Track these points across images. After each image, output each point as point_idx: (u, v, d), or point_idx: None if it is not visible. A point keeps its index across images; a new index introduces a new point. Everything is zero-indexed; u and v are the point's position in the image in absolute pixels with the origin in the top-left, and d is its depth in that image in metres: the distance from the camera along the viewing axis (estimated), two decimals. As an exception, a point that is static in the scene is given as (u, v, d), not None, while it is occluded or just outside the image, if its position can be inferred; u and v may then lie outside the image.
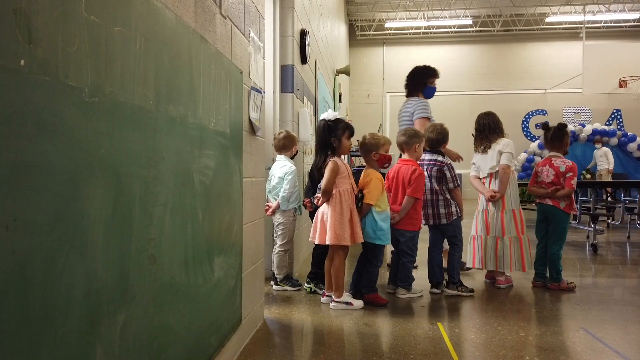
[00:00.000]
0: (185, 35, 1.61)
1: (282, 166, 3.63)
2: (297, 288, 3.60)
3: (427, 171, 3.55)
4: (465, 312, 3.15)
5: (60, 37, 0.97)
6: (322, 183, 3.10)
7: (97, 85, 1.10)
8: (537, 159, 12.35)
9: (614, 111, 13.51)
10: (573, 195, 3.70)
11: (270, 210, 3.59)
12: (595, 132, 12.00)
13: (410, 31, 14.34)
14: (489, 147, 3.70)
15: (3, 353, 0.83)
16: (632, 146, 12.10)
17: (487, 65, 14.17)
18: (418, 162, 3.62)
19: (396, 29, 14.31)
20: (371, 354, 2.37)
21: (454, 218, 3.53)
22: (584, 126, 12.12)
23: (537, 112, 13.80)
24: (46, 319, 0.94)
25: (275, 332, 2.75)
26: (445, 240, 3.69)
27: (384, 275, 3.78)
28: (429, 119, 4.19)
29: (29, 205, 0.89)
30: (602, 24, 13.71)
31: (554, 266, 3.64)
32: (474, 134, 3.90)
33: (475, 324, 2.85)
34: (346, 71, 9.00)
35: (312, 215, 3.40)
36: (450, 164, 3.59)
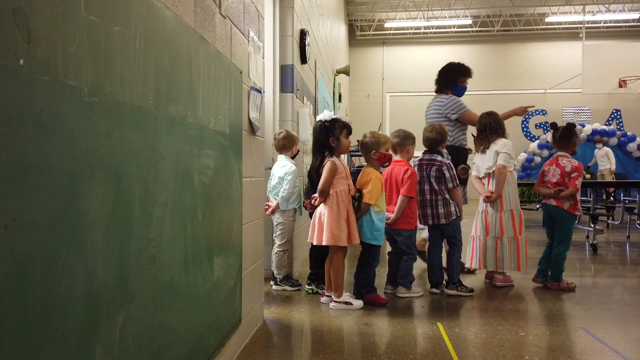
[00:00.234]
0: (184, 35, 1.61)
1: (282, 166, 3.63)
2: (296, 288, 3.60)
3: (426, 171, 3.55)
4: (465, 312, 3.15)
5: (59, 37, 0.96)
6: (320, 183, 3.10)
7: (96, 85, 1.10)
8: (537, 159, 12.37)
9: (614, 111, 13.50)
10: (578, 196, 3.68)
11: (270, 209, 3.59)
12: (595, 132, 12.01)
13: (410, 31, 14.35)
14: (488, 148, 3.71)
15: (3, 353, 0.83)
16: (631, 146, 12.10)
17: (487, 65, 14.16)
18: (418, 162, 3.63)
19: (396, 29, 14.32)
20: (371, 354, 2.37)
21: (453, 218, 3.53)
22: (583, 126, 12.12)
23: (537, 112, 13.79)
24: (46, 319, 0.94)
25: (275, 332, 2.75)
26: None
27: (383, 275, 3.78)
28: (470, 110, 4.14)
29: (28, 205, 0.89)
30: (601, 24, 13.72)
31: (557, 266, 3.64)
32: (474, 134, 3.90)
33: (475, 324, 2.85)
34: (346, 71, 9.00)
35: (312, 215, 3.40)
36: (449, 163, 3.58)
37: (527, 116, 13.99)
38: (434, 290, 3.55)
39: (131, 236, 1.26)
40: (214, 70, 1.90)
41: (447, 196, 3.52)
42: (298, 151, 3.83)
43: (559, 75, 13.64)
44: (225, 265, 2.08)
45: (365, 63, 14.64)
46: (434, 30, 14.27)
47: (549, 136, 11.92)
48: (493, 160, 3.66)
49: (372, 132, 3.40)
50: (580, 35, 12.42)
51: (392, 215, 3.40)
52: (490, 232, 3.69)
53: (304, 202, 3.61)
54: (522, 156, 12.37)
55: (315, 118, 5.28)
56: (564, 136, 3.74)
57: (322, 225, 3.10)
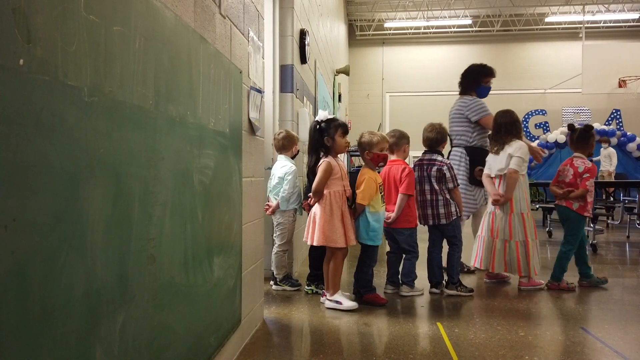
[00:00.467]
0: (184, 34, 1.61)
1: (282, 166, 3.63)
2: (296, 288, 3.60)
3: (426, 171, 3.55)
4: (465, 312, 3.15)
5: (59, 37, 0.96)
6: (314, 183, 3.11)
7: (96, 84, 1.10)
8: (537, 158, 12.34)
9: (614, 111, 13.51)
10: (590, 197, 3.64)
11: (270, 210, 3.59)
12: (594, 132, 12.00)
13: (409, 31, 14.33)
14: (502, 149, 3.63)
15: (3, 353, 0.83)
16: (631, 146, 12.10)
17: (487, 65, 14.14)
18: (418, 162, 3.63)
19: (396, 29, 14.31)
20: (370, 354, 2.37)
21: (454, 218, 3.53)
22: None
23: (537, 112, 13.79)
24: (46, 319, 0.94)
25: (275, 332, 2.75)
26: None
27: (382, 275, 3.77)
28: (491, 114, 4.06)
29: (28, 205, 0.89)
30: (601, 24, 13.71)
31: (559, 265, 3.64)
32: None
33: (475, 324, 2.85)
34: (346, 71, 9.00)
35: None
36: (449, 163, 3.58)
37: (526, 116, 14.00)
38: (434, 290, 3.56)
39: (131, 236, 1.26)
40: (213, 70, 1.90)
41: (447, 196, 3.52)
42: (298, 151, 3.83)
43: (559, 75, 13.64)
44: (225, 265, 2.08)
45: (365, 63, 14.64)
46: (433, 30, 14.25)
47: (548, 136, 11.93)
48: (505, 163, 3.59)
49: (369, 131, 3.39)
50: (580, 35, 12.42)
51: (392, 215, 3.41)
52: (499, 235, 3.63)
53: (303, 203, 3.61)
54: (522, 156, 12.34)
55: (314, 118, 5.29)
56: (582, 137, 3.72)
57: (316, 225, 3.11)
